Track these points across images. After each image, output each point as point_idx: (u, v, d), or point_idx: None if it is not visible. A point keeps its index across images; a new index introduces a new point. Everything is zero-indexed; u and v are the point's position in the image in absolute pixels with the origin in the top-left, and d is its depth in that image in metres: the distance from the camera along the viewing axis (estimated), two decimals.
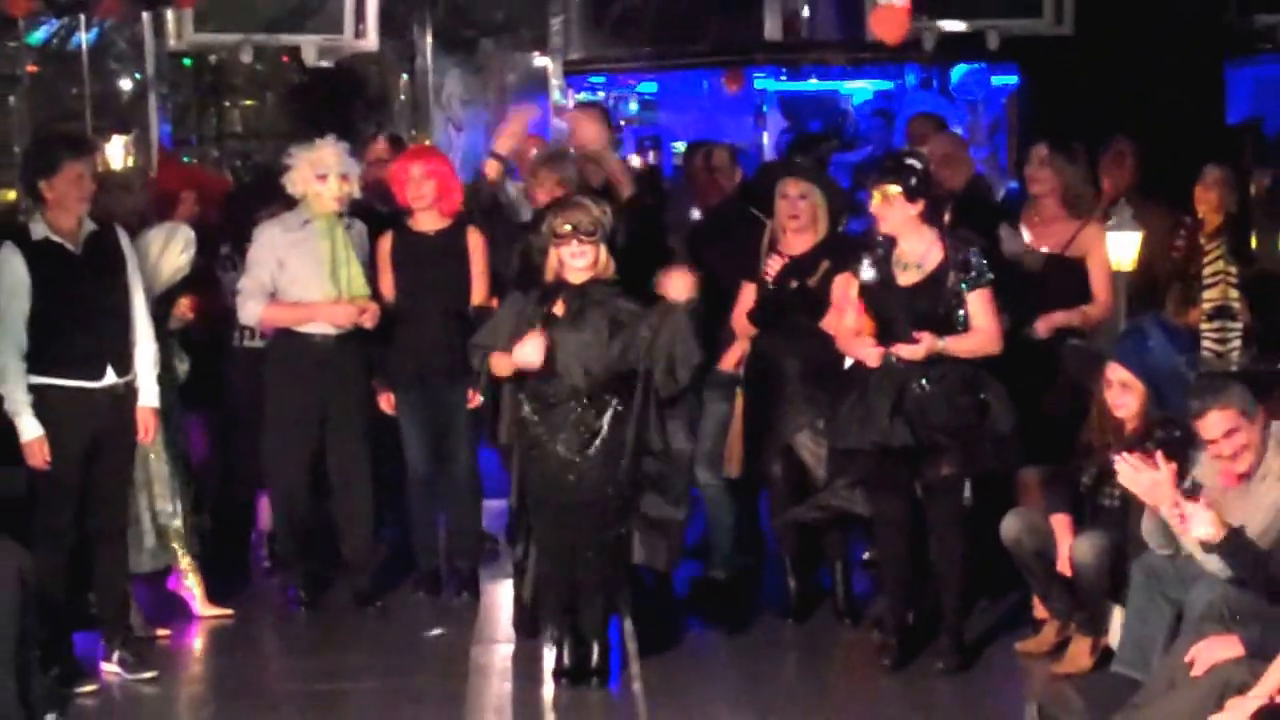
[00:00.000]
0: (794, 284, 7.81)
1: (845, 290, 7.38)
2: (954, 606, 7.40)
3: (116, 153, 12.09)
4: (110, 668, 7.42)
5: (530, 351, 6.97)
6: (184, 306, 8.04)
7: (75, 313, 7.17)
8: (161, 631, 7.93)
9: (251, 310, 8.11)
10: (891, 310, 7.18)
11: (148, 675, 7.42)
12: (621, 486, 7.08)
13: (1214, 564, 6.29)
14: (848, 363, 7.44)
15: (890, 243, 7.24)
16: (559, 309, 7.04)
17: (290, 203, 8.19)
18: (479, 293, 8.23)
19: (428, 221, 8.26)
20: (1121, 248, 8.41)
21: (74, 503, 7.28)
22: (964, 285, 7.15)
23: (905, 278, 7.22)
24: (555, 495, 7.11)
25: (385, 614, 8.21)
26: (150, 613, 7.98)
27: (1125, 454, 6.43)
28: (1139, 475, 6.33)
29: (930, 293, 7.16)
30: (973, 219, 8.19)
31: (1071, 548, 7.14)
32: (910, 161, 7.32)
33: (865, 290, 7.24)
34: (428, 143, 9.03)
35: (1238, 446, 6.32)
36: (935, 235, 7.25)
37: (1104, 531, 7.09)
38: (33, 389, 7.17)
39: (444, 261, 8.19)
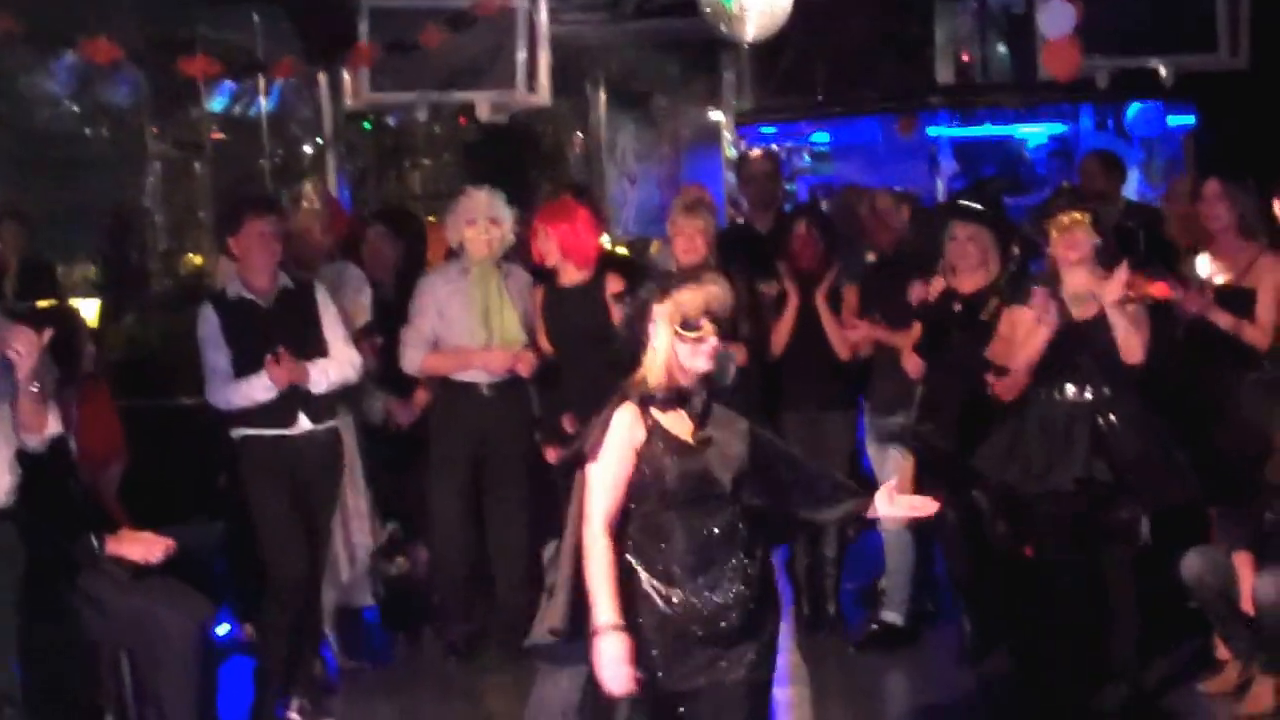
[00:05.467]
0: (962, 318, 7.78)
1: (1012, 324, 7.34)
2: (1129, 650, 7.27)
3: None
4: (292, 715, 7.54)
5: None
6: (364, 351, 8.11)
7: (262, 363, 7.33)
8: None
9: (412, 358, 8.21)
10: (1067, 344, 7.07)
11: None
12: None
13: None
14: None
15: (1055, 280, 7.15)
16: (687, 433, 5.02)
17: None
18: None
19: (568, 275, 8.25)
20: None
21: (300, 546, 7.44)
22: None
23: (1080, 311, 7.12)
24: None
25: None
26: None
27: None
28: None
29: (1107, 326, 7.04)
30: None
31: (1254, 586, 7.01)
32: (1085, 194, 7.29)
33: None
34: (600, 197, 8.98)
35: None
36: (1104, 271, 7.13)
37: None
38: (234, 441, 7.43)
39: (586, 314, 8.13)
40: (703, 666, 4.94)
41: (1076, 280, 7.11)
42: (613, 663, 4.77)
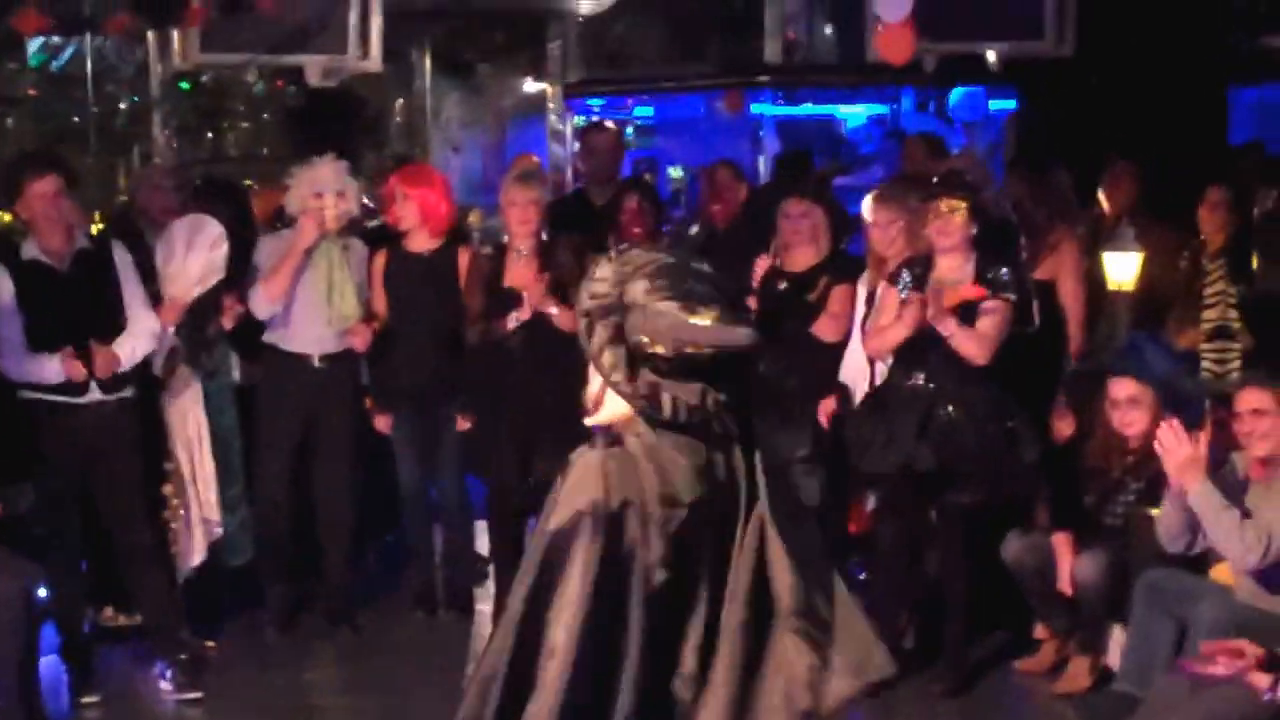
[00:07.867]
0: (793, 297, 7.82)
1: (845, 301, 7.48)
2: (957, 630, 7.36)
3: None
4: (164, 685, 7.41)
5: None
6: (228, 312, 7.91)
7: (59, 331, 7.11)
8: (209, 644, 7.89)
9: (258, 298, 7.93)
10: (920, 333, 7.07)
11: (193, 696, 7.35)
12: None
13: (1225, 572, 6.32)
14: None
15: (927, 261, 7.19)
16: None
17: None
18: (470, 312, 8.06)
19: (419, 242, 8.17)
20: (1122, 268, 8.41)
21: (73, 515, 7.33)
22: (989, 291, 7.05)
23: (946, 297, 7.04)
24: None
25: (359, 633, 8.12)
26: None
27: (1168, 423, 6.30)
28: (1177, 447, 6.22)
29: (966, 316, 7.05)
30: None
31: (1073, 566, 7.14)
32: (969, 182, 7.29)
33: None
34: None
35: (1260, 431, 6.32)
36: (974, 259, 7.16)
37: (1106, 550, 7.09)
38: (23, 404, 7.18)
39: (434, 282, 8.07)
40: None
41: (945, 266, 7.15)
42: None
